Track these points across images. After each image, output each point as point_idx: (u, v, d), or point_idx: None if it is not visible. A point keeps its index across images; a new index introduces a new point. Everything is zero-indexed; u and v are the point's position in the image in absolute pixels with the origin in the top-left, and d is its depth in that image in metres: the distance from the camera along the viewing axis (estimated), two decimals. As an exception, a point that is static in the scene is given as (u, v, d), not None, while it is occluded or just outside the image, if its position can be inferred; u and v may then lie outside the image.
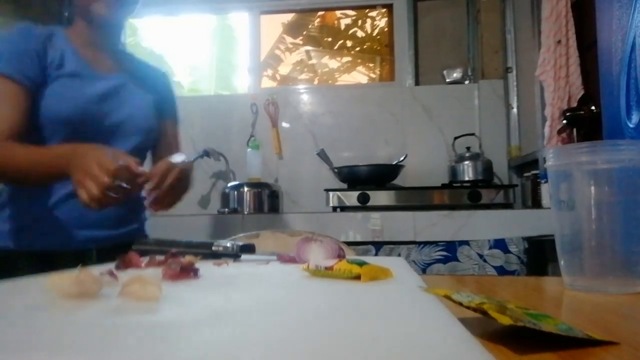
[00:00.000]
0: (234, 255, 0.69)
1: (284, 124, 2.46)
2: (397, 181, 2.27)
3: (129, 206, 1.05)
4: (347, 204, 1.96)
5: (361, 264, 0.47)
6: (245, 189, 2.12)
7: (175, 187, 0.91)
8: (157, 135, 1.16)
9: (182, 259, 0.52)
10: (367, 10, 2.85)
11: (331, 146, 2.31)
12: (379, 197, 1.97)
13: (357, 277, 0.45)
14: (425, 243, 1.67)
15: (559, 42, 1.69)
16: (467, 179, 2.22)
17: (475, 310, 0.33)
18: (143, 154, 1.14)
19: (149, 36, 3.32)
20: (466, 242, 1.66)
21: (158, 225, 2.08)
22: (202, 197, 2.41)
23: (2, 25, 2.54)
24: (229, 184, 2.18)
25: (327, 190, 2.00)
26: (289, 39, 3.05)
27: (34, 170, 0.90)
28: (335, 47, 3.01)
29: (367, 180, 2.08)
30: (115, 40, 1.12)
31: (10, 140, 0.92)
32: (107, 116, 1.03)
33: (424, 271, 1.63)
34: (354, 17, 2.88)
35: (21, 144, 0.93)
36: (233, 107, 2.49)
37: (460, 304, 0.34)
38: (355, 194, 1.95)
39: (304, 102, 2.49)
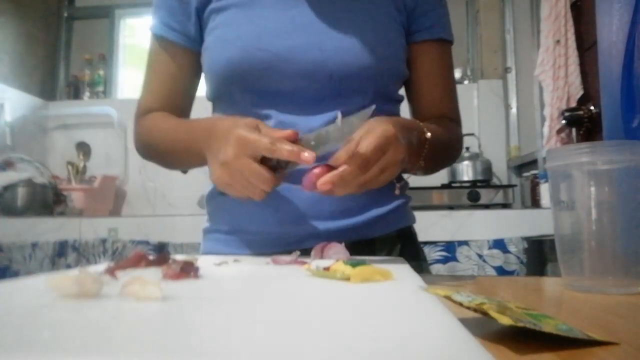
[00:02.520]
0: None
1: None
2: (397, 181, 2.27)
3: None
4: (347, 204, 1.96)
5: (356, 265, 0.47)
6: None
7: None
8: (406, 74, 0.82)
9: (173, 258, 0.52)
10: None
11: (330, 146, 2.31)
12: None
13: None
14: (425, 243, 1.67)
15: (558, 42, 1.70)
16: (466, 179, 2.22)
17: (475, 310, 0.33)
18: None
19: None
20: (465, 242, 1.66)
21: (157, 225, 2.08)
22: (201, 198, 2.41)
23: (2, 25, 2.54)
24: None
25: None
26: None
27: (176, 147, 0.75)
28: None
29: (366, 180, 2.08)
30: None
31: (162, 112, 0.80)
32: (292, 59, 0.73)
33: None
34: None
35: (171, 116, 0.79)
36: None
37: (461, 304, 0.34)
38: (355, 194, 1.95)
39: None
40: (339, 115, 0.60)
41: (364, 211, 0.74)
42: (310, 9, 0.75)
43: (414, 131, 0.69)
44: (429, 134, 0.71)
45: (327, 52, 0.73)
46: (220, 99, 0.81)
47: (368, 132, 0.59)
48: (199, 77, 0.84)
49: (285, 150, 0.56)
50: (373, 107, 0.59)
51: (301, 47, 0.73)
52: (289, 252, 0.70)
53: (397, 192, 0.74)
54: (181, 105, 0.83)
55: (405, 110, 0.86)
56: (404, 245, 0.80)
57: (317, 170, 0.58)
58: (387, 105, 0.80)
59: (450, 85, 0.87)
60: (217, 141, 0.63)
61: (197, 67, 0.81)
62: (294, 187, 0.66)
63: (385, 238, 0.77)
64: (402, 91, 0.86)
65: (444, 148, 0.79)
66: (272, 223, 0.74)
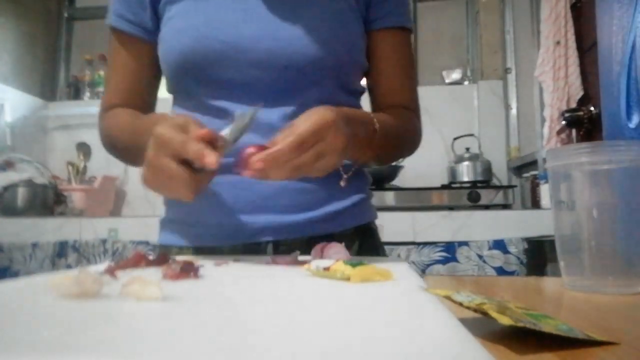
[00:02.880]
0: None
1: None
2: (397, 182, 2.27)
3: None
4: (347, 204, 1.96)
5: (356, 264, 0.47)
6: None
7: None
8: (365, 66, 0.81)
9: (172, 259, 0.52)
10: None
11: (331, 147, 2.31)
12: (378, 197, 1.97)
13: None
14: (425, 244, 1.67)
15: (558, 43, 1.70)
16: (466, 179, 2.22)
17: (475, 310, 0.33)
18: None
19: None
20: (465, 243, 1.66)
21: (157, 225, 2.08)
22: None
23: (2, 25, 2.54)
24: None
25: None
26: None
27: (129, 145, 0.73)
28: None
29: (366, 180, 2.08)
30: None
31: (124, 108, 0.78)
32: (247, 49, 0.72)
33: (423, 272, 1.63)
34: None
35: (134, 112, 0.77)
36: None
37: (461, 304, 0.34)
38: (355, 194, 1.95)
39: (304, 102, 2.49)
40: (252, 110, 0.58)
41: (322, 206, 0.74)
42: None
43: (361, 122, 0.68)
44: (377, 125, 0.70)
45: (282, 41, 0.72)
46: (177, 91, 0.80)
47: (307, 116, 0.58)
48: (160, 70, 0.81)
49: (191, 150, 0.53)
50: (261, 107, 0.58)
51: (255, 37, 0.71)
52: (246, 246, 0.73)
53: (342, 183, 0.72)
54: (144, 100, 0.81)
55: (366, 102, 0.85)
56: (363, 242, 0.79)
57: (250, 150, 0.55)
58: (346, 97, 0.79)
59: (409, 74, 0.84)
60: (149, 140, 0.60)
61: (157, 59, 0.79)
62: (252, 180, 0.61)
63: (343, 234, 0.75)
64: (363, 82, 0.84)
65: (396, 139, 0.77)
66: (230, 215, 0.72)
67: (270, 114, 0.72)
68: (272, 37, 0.72)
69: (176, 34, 0.73)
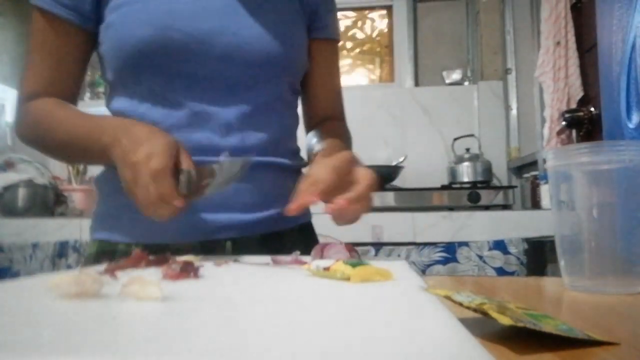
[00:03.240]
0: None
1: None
2: (397, 182, 2.27)
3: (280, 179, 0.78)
4: (347, 204, 1.96)
5: (356, 265, 0.47)
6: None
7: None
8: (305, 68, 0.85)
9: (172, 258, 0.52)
10: (366, 12, 2.85)
11: (331, 147, 2.31)
12: (378, 198, 1.97)
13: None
14: (425, 244, 1.67)
15: (558, 43, 1.70)
16: (466, 180, 2.22)
17: (475, 310, 0.33)
18: (280, 103, 0.80)
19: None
20: (466, 244, 1.66)
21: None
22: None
23: (2, 25, 2.54)
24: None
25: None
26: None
27: (73, 140, 0.70)
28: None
29: (366, 181, 2.08)
30: None
31: (54, 98, 0.74)
32: (208, 42, 0.71)
33: (423, 272, 1.63)
34: (353, 19, 2.88)
35: (67, 103, 0.75)
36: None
37: (461, 304, 0.34)
38: (355, 194, 1.95)
39: (304, 103, 2.50)
40: (242, 160, 0.61)
41: (272, 206, 0.75)
42: None
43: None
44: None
45: (242, 37, 0.72)
46: (124, 81, 0.75)
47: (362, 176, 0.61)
48: (88, 59, 0.78)
49: (162, 186, 0.55)
50: (253, 159, 0.61)
51: (216, 30, 0.71)
52: (203, 243, 0.72)
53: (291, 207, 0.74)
54: (69, 90, 0.78)
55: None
56: (307, 238, 0.84)
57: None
58: (292, 97, 0.84)
59: (339, 84, 0.92)
60: (133, 141, 0.59)
61: (88, 48, 0.77)
62: None
63: (290, 231, 0.79)
64: None
65: None
66: (186, 212, 0.67)
67: (227, 113, 0.73)
68: (233, 33, 0.72)
69: (133, 22, 0.70)
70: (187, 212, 0.63)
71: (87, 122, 0.70)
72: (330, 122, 0.88)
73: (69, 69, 0.76)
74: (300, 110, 0.89)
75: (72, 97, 0.78)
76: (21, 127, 0.78)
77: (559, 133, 1.72)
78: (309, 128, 0.90)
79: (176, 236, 0.71)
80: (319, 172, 0.59)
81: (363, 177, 0.60)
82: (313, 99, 0.89)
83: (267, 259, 0.62)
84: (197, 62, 0.71)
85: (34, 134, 0.76)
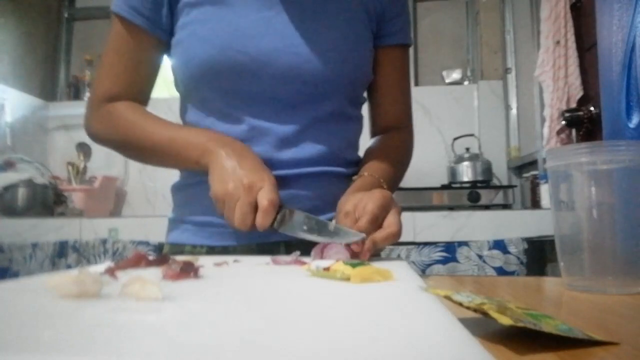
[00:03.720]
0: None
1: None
2: (397, 182, 2.27)
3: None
4: (347, 204, 1.96)
5: (356, 265, 0.47)
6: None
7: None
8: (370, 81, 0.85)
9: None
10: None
11: (331, 147, 2.31)
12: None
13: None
14: (425, 244, 1.67)
15: (558, 42, 1.70)
16: (466, 179, 2.22)
17: (475, 310, 0.33)
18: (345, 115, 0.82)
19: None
20: (465, 243, 1.66)
21: (157, 225, 2.08)
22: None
23: (2, 25, 2.54)
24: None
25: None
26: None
27: (167, 151, 0.74)
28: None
29: (366, 180, 2.08)
30: None
31: (137, 104, 0.78)
32: (268, 62, 0.74)
33: (423, 272, 1.63)
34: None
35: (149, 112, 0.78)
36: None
37: (461, 304, 0.34)
38: (355, 194, 1.95)
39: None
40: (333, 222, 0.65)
41: (326, 210, 0.76)
42: (285, 12, 0.76)
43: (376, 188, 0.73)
44: (385, 186, 0.76)
45: (301, 57, 0.75)
46: (191, 95, 0.80)
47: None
48: (160, 67, 0.82)
49: (264, 219, 0.63)
50: (363, 235, 0.62)
51: (276, 50, 0.74)
52: (260, 246, 0.75)
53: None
54: (143, 95, 0.81)
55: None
56: None
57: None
58: (353, 109, 0.84)
59: (408, 90, 0.91)
60: (237, 153, 0.68)
61: (162, 56, 0.81)
62: None
63: None
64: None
65: (397, 180, 0.85)
66: None
67: (284, 128, 0.75)
68: (293, 52, 0.74)
69: (198, 41, 0.74)
70: None
71: (182, 129, 0.76)
72: (390, 135, 0.87)
73: (144, 73, 0.80)
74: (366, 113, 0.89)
75: (146, 100, 0.83)
76: (98, 125, 0.80)
77: (558, 132, 1.72)
78: (372, 135, 0.91)
79: (236, 239, 0.76)
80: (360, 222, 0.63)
81: (389, 224, 0.63)
82: (377, 107, 0.89)
83: (267, 259, 0.62)
84: (256, 81, 0.74)
85: (115, 136, 0.79)
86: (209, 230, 0.78)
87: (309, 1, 0.77)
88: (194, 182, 0.79)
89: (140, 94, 0.81)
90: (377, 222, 0.63)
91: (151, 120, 0.77)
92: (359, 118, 0.86)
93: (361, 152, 0.87)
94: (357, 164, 0.84)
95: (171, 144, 0.73)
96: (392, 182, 0.80)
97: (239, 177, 0.64)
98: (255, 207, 0.63)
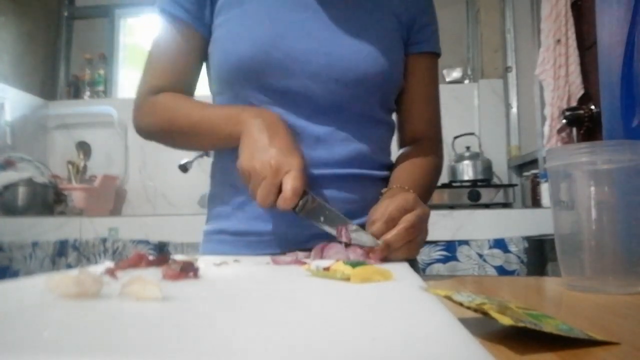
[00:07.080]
0: None
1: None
2: (397, 181, 2.27)
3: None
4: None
5: (356, 265, 0.47)
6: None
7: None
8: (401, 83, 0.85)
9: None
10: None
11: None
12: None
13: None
14: (425, 243, 1.67)
15: (559, 41, 1.70)
16: (466, 178, 2.22)
17: (475, 310, 0.33)
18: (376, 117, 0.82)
19: (149, 36, 3.32)
20: (466, 242, 1.66)
21: (157, 224, 2.08)
22: (202, 197, 2.41)
23: (2, 25, 2.54)
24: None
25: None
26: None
27: (204, 128, 0.75)
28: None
29: (366, 179, 2.08)
30: None
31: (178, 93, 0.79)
32: (302, 61, 0.75)
33: (423, 271, 1.63)
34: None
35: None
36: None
37: (461, 304, 0.34)
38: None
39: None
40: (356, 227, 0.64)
41: (359, 214, 0.76)
42: (321, 13, 0.77)
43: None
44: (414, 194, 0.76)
45: (335, 56, 0.76)
46: (225, 93, 0.80)
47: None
48: (202, 65, 0.84)
49: (286, 203, 0.63)
50: (377, 242, 0.61)
51: (311, 50, 0.75)
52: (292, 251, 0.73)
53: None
54: (188, 88, 0.82)
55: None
56: None
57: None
58: (384, 114, 0.84)
59: (436, 99, 0.91)
60: (270, 127, 0.67)
61: (204, 54, 0.82)
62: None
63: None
64: None
65: (428, 190, 0.85)
66: (281, 224, 0.75)
67: (317, 128, 0.76)
68: (327, 52, 0.76)
69: (235, 39, 0.76)
70: (280, 223, 0.75)
71: (219, 106, 0.78)
72: (419, 146, 0.86)
73: (189, 66, 0.81)
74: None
75: (191, 94, 0.83)
76: (144, 119, 0.81)
77: (559, 131, 1.72)
78: (400, 145, 0.91)
79: (274, 247, 0.76)
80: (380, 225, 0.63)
81: (402, 221, 0.63)
82: (406, 118, 0.88)
83: (267, 259, 0.62)
84: (291, 79, 0.75)
85: (162, 120, 0.79)
86: (247, 240, 0.78)
87: (342, 5, 0.79)
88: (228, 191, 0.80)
89: (185, 87, 0.81)
90: (393, 223, 0.62)
91: (190, 102, 0.78)
92: (390, 124, 0.86)
93: (393, 158, 0.86)
94: (389, 167, 0.84)
95: (208, 120, 0.74)
96: (424, 192, 0.80)
97: (268, 157, 0.64)
98: (279, 189, 0.63)
